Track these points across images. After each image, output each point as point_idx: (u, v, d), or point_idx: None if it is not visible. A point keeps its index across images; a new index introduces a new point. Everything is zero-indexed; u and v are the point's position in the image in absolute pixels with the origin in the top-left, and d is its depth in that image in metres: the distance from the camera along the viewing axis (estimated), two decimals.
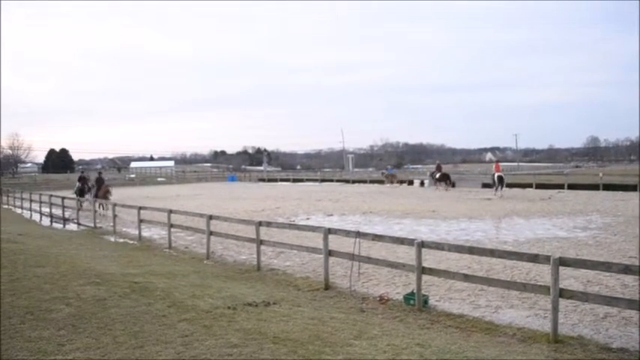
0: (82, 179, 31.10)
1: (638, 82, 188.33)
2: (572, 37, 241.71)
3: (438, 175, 39.80)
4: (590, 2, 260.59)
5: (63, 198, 24.12)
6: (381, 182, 49.68)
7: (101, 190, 28.05)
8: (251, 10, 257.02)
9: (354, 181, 55.20)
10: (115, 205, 19.73)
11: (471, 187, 40.97)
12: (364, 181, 53.98)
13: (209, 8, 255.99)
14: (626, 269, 6.75)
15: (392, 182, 47.84)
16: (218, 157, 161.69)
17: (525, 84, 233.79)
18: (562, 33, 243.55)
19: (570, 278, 9.75)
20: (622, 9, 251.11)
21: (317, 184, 55.89)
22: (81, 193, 29.55)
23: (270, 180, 67.55)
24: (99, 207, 24.72)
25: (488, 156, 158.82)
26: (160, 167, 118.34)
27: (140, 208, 17.60)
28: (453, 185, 40.80)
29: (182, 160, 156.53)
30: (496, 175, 32.76)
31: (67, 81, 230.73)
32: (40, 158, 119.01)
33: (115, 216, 18.93)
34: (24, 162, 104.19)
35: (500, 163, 36.62)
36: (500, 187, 32.01)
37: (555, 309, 6.60)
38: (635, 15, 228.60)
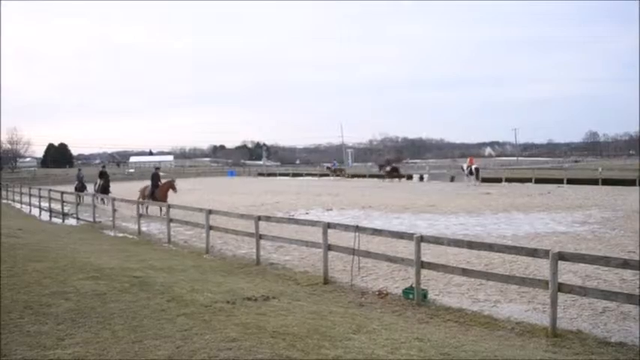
0: (103, 174, 28.41)
1: (638, 78, 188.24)
2: (571, 33, 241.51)
3: (388, 169, 45.22)
4: (589, 1, 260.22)
5: (62, 193, 24.09)
6: (380, 177, 49.83)
7: (161, 189, 22.28)
8: (251, 7, 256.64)
9: (352, 176, 55.22)
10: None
11: (469, 182, 40.97)
12: (363, 176, 54.07)
13: (209, 4, 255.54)
14: (625, 264, 6.76)
15: (337, 176, 51.26)
16: (217, 151, 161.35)
17: (524, 79, 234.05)
18: (561, 29, 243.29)
19: (569, 273, 9.76)
20: (620, 6, 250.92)
21: (316, 178, 55.88)
22: (104, 190, 26.88)
23: (269, 174, 67.57)
24: (144, 210, 19.79)
25: (488, 150, 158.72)
26: (159, 162, 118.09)
27: (139, 202, 17.61)
28: (400, 178, 45.38)
29: (181, 155, 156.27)
30: (473, 167, 39.18)
31: (67, 76, 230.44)
32: (39, 153, 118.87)
33: (170, 220, 15.79)
34: (23, 157, 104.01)
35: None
36: (475, 178, 38.04)
37: (554, 303, 6.62)
38: (632, 11, 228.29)
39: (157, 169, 25.77)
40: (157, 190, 22.28)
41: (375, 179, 47.76)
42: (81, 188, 29.41)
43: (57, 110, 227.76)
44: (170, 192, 22.03)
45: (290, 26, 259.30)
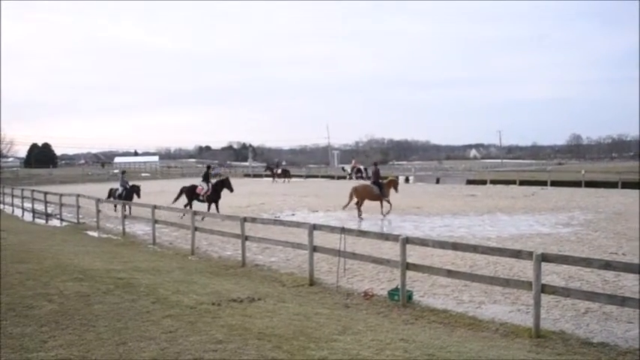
0: (209, 176, 21.59)
1: (639, 79, 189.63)
2: (556, 34, 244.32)
3: (279, 171, 51.25)
4: (573, 1, 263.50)
5: (45, 193, 23.81)
6: (271, 176, 53.72)
7: (388, 185, 21.05)
8: (236, 7, 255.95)
9: (339, 177, 55.27)
10: None
11: (454, 184, 41.26)
12: (259, 175, 55.68)
13: (195, 4, 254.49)
14: (607, 265, 6.86)
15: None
16: (203, 152, 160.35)
17: (509, 81, 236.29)
18: (546, 30, 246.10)
19: (552, 274, 9.87)
20: (605, 7, 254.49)
21: (302, 179, 55.85)
22: (214, 197, 20.36)
23: (255, 176, 67.31)
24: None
25: (473, 152, 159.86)
26: (145, 162, 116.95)
27: (124, 203, 17.45)
28: (289, 178, 50.30)
29: (166, 156, 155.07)
30: (361, 167, 47.46)
31: (50, 75, 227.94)
32: (22, 153, 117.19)
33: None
34: (6, 156, 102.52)
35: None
36: (366, 177, 42.41)
37: (537, 304, 6.68)
38: (620, 13, 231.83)
39: (376, 164, 22.96)
40: (382, 187, 20.79)
41: (258, 179, 56.29)
42: (128, 196, 21.78)
43: (40, 110, 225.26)
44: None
45: (275, 26, 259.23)
